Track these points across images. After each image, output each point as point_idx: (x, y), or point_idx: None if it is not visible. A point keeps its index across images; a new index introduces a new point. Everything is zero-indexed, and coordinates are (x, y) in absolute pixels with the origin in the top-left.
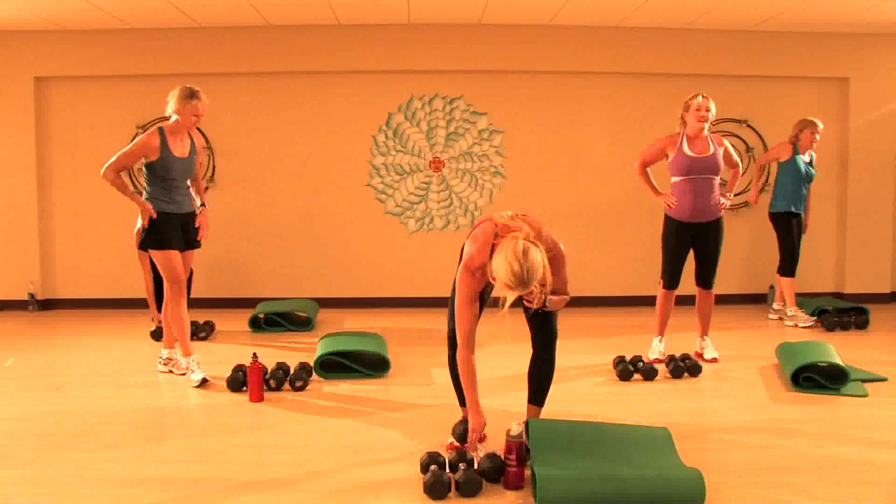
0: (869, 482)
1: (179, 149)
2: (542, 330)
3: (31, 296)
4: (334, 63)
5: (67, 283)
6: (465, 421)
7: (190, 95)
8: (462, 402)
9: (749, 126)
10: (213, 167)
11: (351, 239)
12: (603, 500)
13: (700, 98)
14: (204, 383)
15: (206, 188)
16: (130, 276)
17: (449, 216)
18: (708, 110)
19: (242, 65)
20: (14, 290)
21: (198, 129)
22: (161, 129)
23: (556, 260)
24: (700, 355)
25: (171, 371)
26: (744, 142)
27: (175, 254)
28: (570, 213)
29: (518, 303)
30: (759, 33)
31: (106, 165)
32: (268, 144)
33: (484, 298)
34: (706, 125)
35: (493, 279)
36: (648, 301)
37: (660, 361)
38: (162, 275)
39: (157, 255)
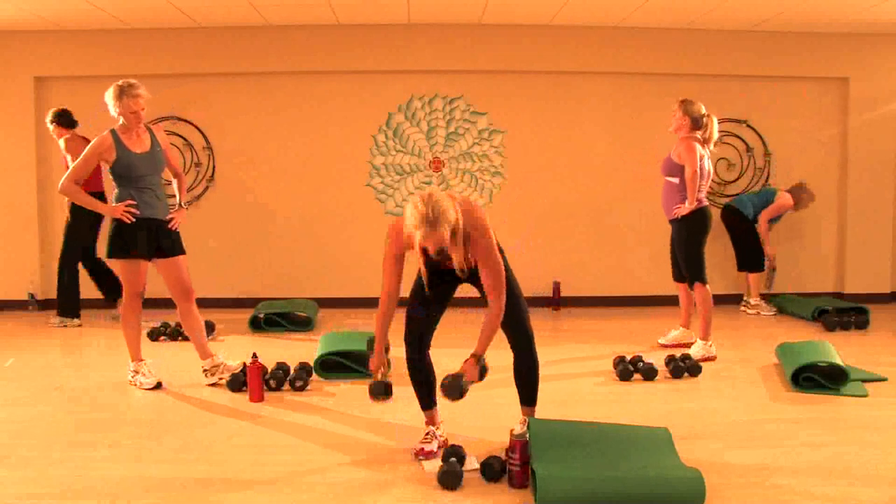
0: (869, 482)
1: (138, 145)
2: (518, 331)
3: (31, 296)
4: (334, 63)
5: None
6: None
7: (121, 94)
8: (423, 406)
9: (749, 126)
10: (213, 167)
11: (351, 239)
12: (603, 500)
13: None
14: (158, 387)
15: (207, 188)
16: None
17: None
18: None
19: (242, 65)
20: (14, 290)
21: (198, 129)
22: (113, 130)
23: (471, 213)
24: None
25: (220, 379)
26: (744, 142)
27: (141, 265)
28: (569, 213)
29: (475, 281)
30: (759, 33)
31: (63, 179)
32: (268, 144)
33: (446, 297)
34: (675, 129)
35: (413, 244)
36: (648, 301)
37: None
38: (122, 285)
39: (119, 265)
